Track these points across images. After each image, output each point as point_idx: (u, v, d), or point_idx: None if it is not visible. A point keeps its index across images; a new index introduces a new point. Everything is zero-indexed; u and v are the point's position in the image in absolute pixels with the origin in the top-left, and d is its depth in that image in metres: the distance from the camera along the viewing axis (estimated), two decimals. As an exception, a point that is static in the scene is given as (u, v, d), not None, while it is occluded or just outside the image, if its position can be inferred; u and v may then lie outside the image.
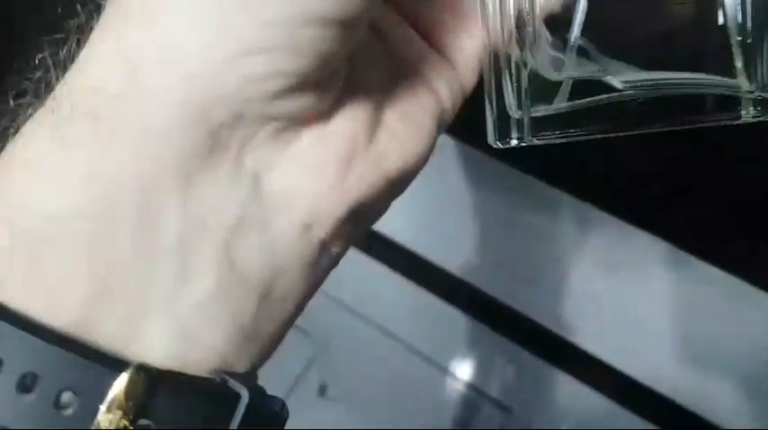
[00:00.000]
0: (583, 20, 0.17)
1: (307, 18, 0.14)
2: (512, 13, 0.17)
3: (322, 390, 0.81)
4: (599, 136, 0.17)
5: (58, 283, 0.14)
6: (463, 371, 0.90)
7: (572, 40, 0.17)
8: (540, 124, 0.18)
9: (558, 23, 0.17)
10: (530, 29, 0.17)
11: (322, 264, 0.17)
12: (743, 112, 0.17)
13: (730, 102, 0.17)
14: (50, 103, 0.15)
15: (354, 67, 0.17)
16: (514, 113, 0.18)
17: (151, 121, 0.14)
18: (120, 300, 0.14)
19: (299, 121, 0.16)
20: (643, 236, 0.59)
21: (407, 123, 0.17)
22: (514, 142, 0.18)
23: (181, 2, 0.14)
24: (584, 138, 0.17)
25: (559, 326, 0.80)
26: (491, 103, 0.18)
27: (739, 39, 0.17)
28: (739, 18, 0.17)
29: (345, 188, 0.16)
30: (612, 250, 0.68)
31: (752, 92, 0.17)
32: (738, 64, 0.17)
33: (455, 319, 0.88)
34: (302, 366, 0.78)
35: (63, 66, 0.16)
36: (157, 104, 0.14)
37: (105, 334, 0.14)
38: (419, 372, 0.92)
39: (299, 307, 0.17)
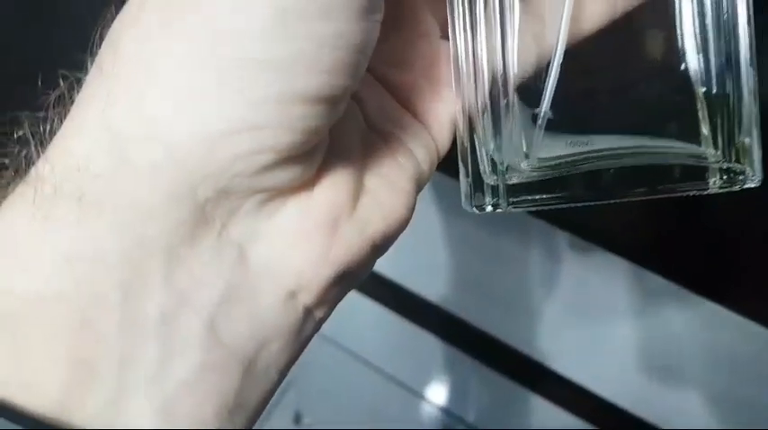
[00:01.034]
0: (553, 91, 0.17)
1: (295, 96, 0.14)
2: (486, 80, 0.18)
3: (297, 418, 0.80)
4: (573, 204, 0.18)
5: (40, 366, 0.14)
6: (438, 396, 0.90)
7: (542, 112, 0.17)
8: (515, 190, 0.18)
9: (529, 93, 0.18)
10: (504, 100, 0.17)
11: (306, 330, 0.17)
12: (710, 182, 0.17)
13: (698, 172, 0.17)
14: (32, 181, 0.15)
15: (337, 135, 0.17)
16: (489, 179, 0.18)
17: (136, 200, 0.14)
18: (103, 381, 0.14)
19: (285, 192, 0.16)
20: (619, 262, 0.60)
21: (388, 187, 0.18)
22: (489, 208, 0.18)
23: (169, 78, 0.14)
24: (560, 206, 0.18)
25: (534, 351, 0.80)
26: (465, 167, 0.18)
27: (703, 89, 0.17)
28: (702, 67, 0.17)
29: (331, 256, 0.16)
30: (587, 277, 0.68)
31: (717, 161, 0.17)
32: (704, 130, 0.17)
33: (430, 345, 0.88)
34: (278, 393, 0.78)
35: (44, 141, 0.15)
36: (143, 183, 0.14)
37: (87, 416, 0.14)
38: (395, 399, 0.91)
39: (283, 375, 0.17)
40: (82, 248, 0.14)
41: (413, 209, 0.18)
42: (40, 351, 0.14)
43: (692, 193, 0.17)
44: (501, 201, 0.18)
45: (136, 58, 0.14)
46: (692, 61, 0.17)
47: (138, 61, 0.14)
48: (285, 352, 0.16)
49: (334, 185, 0.16)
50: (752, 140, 0.17)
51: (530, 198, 0.18)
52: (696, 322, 0.63)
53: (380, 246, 0.17)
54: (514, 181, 0.18)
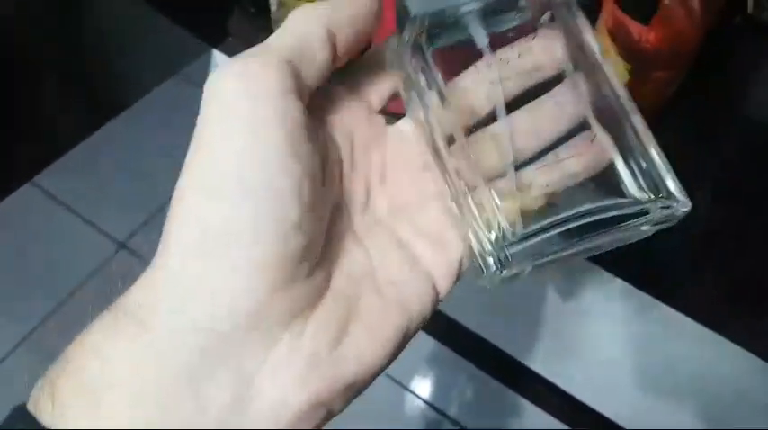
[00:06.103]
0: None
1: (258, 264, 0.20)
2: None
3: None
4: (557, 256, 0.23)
5: (119, 423, 0.19)
6: (424, 390, 0.95)
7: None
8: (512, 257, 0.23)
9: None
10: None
11: None
12: (650, 215, 0.23)
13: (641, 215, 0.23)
14: (113, 313, 0.20)
15: (340, 284, 0.22)
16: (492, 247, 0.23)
17: (179, 332, 0.20)
18: None
19: (278, 330, 0.20)
20: (604, 275, 0.62)
21: (373, 337, 0.21)
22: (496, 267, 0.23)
23: (202, 272, 0.20)
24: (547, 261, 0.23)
25: (519, 353, 0.83)
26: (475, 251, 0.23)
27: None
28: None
29: (307, 388, 0.20)
30: (574, 285, 0.71)
31: (651, 201, 0.23)
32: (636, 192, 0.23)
33: (419, 340, 0.90)
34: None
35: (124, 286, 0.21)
36: (186, 323, 0.20)
37: None
38: (381, 390, 0.94)
39: None
40: (142, 360, 0.19)
41: (396, 355, 0.22)
42: (118, 414, 0.19)
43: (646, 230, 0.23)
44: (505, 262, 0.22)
45: (185, 266, 0.20)
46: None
47: (192, 262, 0.20)
48: None
49: (320, 329, 0.21)
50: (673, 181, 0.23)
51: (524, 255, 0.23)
52: (684, 342, 0.64)
53: (354, 387, 0.21)
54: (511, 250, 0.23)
